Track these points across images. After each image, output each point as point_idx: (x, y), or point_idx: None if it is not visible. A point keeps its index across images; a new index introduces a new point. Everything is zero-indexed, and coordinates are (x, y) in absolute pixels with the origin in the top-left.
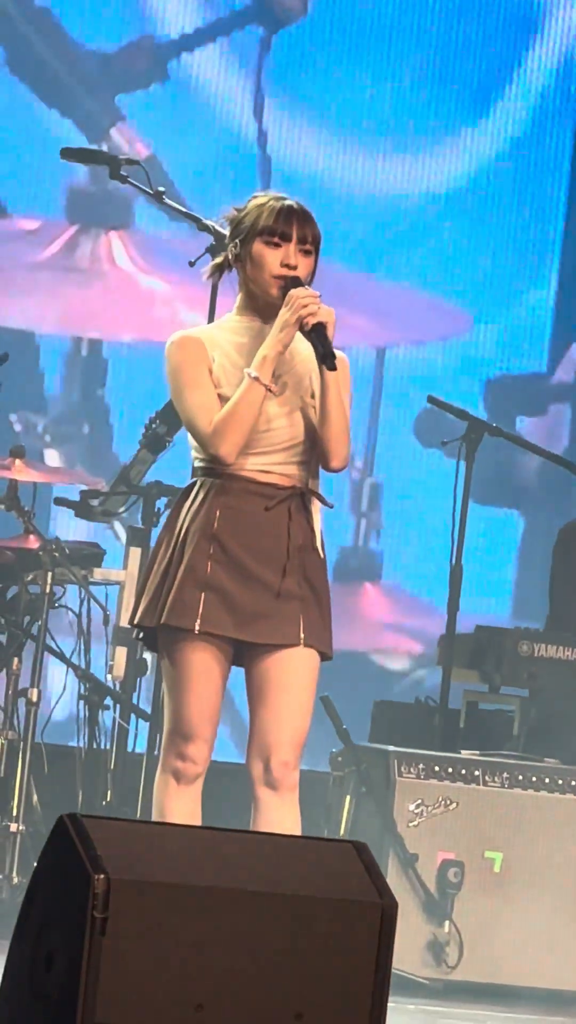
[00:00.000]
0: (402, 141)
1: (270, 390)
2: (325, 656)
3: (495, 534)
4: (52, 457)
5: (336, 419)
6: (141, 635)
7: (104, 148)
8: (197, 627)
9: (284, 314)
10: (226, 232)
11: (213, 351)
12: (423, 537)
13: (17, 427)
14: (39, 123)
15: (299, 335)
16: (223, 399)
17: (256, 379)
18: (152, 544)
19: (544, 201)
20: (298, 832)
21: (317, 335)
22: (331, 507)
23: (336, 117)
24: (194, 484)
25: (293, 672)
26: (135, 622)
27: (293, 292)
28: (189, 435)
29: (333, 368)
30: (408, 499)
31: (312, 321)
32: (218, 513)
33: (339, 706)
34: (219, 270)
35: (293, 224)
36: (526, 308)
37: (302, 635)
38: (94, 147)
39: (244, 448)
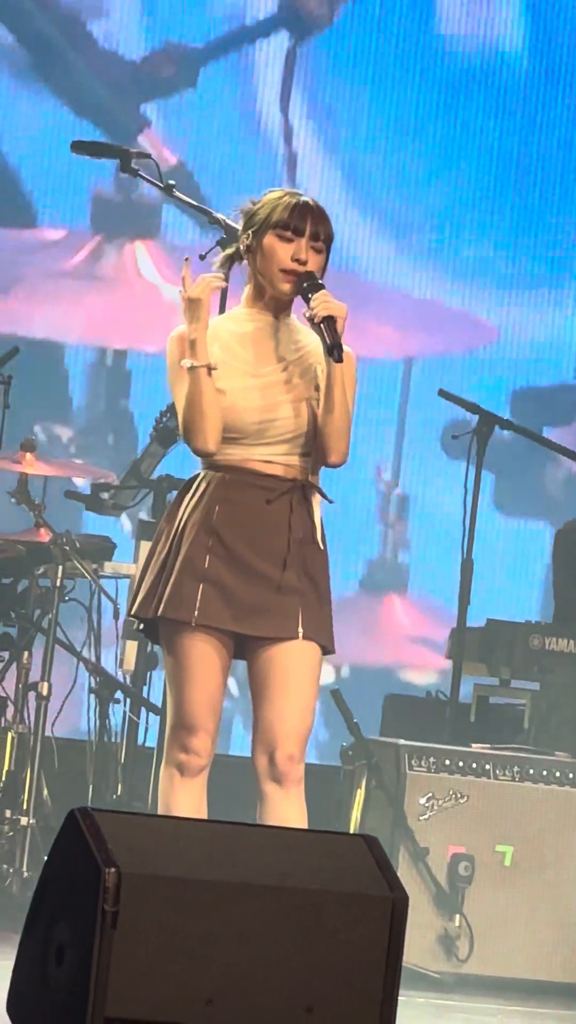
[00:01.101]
0: (429, 146)
1: (210, 368)
2: (326, 649)
3: (523, 545)
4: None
5: (339, 414)
6: (142, 626)
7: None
8: (194, 620)
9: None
10: (237, 226)
11: (213, 344)
12: (450, 549)
13: (42, 437)
14: (65, 130)
15: (308, 328)
16: (220, 392)
17: (191, 368)
18: None
19: (571, 212)
20: (304, 825)
21: (327, 327)
22: (331, 502)
23: (363, 124)
24: (196, 476)
25: (293, 666)
26: (132, 613)
27: (319, 295)
28: None
29: (339, 360)
30: (435, 510)
31: (323, 314)
32: (217, 506)
33: (358, 702)
34: (230, 261)
35: (307, 220)
36: (552, 319)
37: (300, 629)
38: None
39: (239, 438)
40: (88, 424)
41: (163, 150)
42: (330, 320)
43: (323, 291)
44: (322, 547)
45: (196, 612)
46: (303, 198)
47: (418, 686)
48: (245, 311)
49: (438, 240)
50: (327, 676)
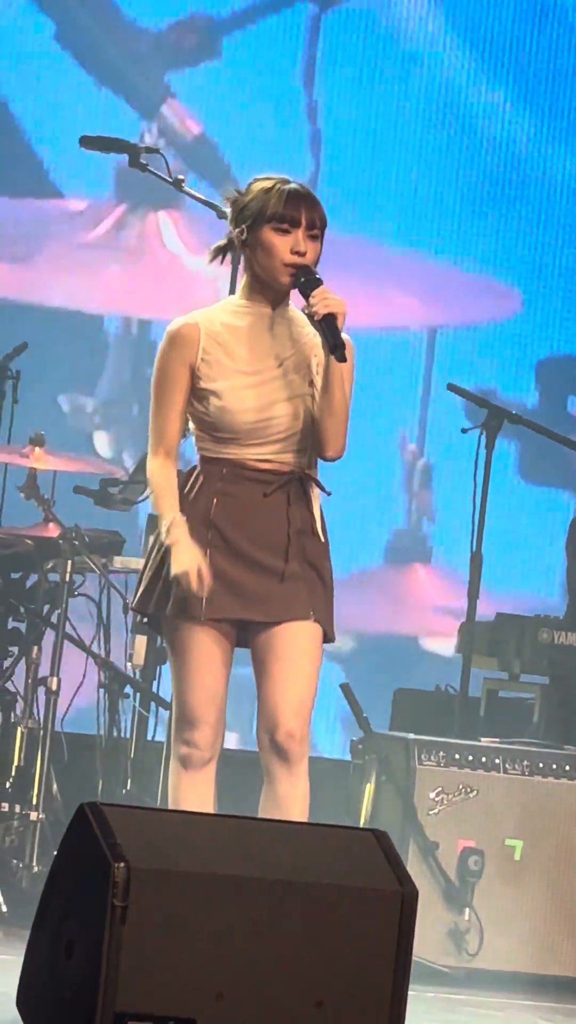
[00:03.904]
0: (456, 116)
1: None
2: (328, 637)
3: (545, 514)
4: (101, 439)
5: (339, 410)
6: (146, 619)
7: (154, 126)
8: (203, 615)
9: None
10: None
11: (206, 341)
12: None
13: (65, 408)
14: (89, 101)
15: (306, 320)
16: (206, 393)
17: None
18: None
19: None
20: (306, 804)
21: (327, 325)
22: (328, 494)
23: (387, 93)
24: (193, 470)
25: (294, 643)
26: (134, 607)
27: (319, 291)
28: (192, 424)
29: (343, 360)
30: (459, 480)
31: (323, 311)
32: (215, 500)
33: (377, 691)
34: (222, 252)
35: (302, 209)
36: None
37: (311, 611)
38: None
39: (235, 438)
40: (112, 395)
41: (186, 120)
42: (330, 318)
43: (321, 287)
44: (322, 539)
45: (203, 607)
46: (292, 186)
47: (442, 657)
48: (242, 303)
49: (464, 210)
50: (346, 644)
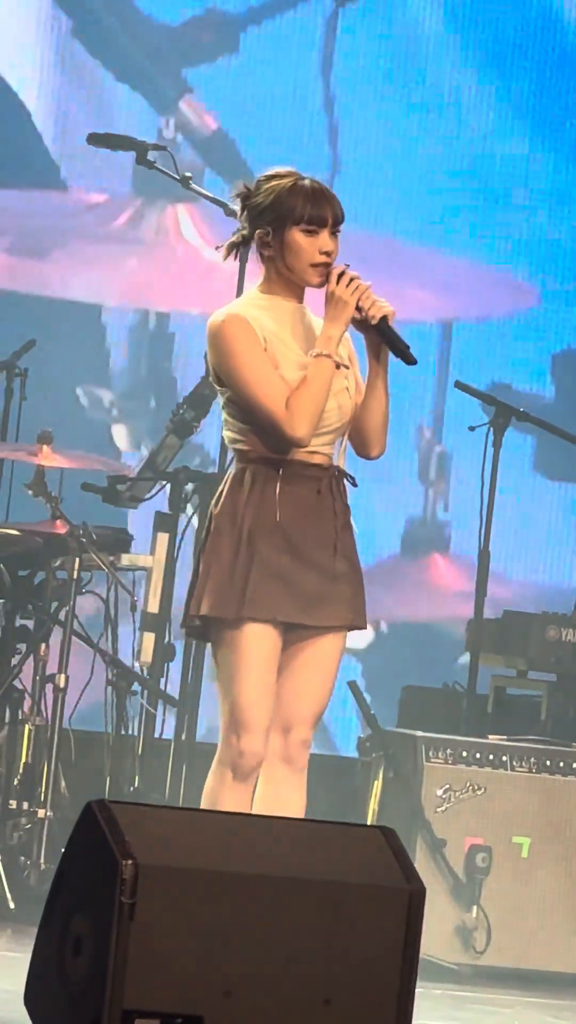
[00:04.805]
0: (472, 111)
1: (343, 366)
2: (357, 625)
3: (558, 510)
4: (119, 432)
5: (386, 410)
6: (196, 623)
7: (172, 121)
8: (275, 617)
9: (342, 294)
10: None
11: (260, 330)
12: (493, 508)
13: (83, 401)
14: (106, 96)
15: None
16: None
17: (328, 356)
18: (179, 530)
19: None
20: (303, 809)
21: (386, 329)
22: (355, 485)
23: (404, 87)
24: (241, 469)
25: (324, 652)
26: (202, 612)
27: (349, 273)
28: (230, 420)
29: (413, 362)
30: (476, 471)
31: (378, 315)
32: (282, 501)
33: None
34: (236, 248)
35: (327, 209)
36: None
37: (353, 616)
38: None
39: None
40: (130, 388)
41: (204, 116)
42: (385, 321)
43: (366, 289)
44: (354, 529)
45: (275, 611)
46: (310, 183)
47: (459, 639)
48: (268, 298)
49: (480, 204)
50: (362, 634)
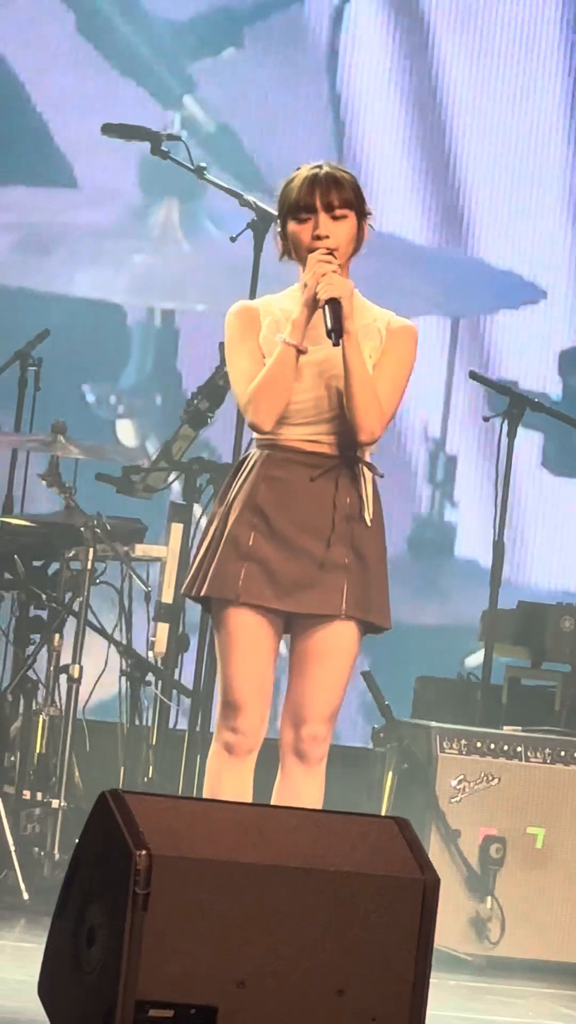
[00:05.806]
0: (476, 106)
1: (300, 351)
2: (374, 627)
3: (568, 504)
4: (125, 428)
5: (359, 392)
6: (201, 605)
7: (177, 116)
8: (238, 598)
9: (307, 278)
10: (267, 208)
11: (265, 319)
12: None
13: (90, 397)
14: (111, 92)
15: (367, 305)
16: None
17: (285, 342)
18: (193, 520)
19: None
20: (320, 803)
21: (330, 309)
22: (382, 476)
23: (410, 82)
24: (247, 456)
25: (332, 645)
26: (183, 592)
27: (312, 256)
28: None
29: (337, 344)
30: (483, 470)
31: (325, 296)
32: (263, 484)
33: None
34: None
35: (315, 193)
36: None
37: (344, 605)
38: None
39: (286, 417)
40: (136, 384)
41: (208, 111)
42: (334, 303)
43: (326, 271)
44: (369, 523)
45: (239, 591)
46: (308, 172)
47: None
48: (297, 291)
49: (487, 200)
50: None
